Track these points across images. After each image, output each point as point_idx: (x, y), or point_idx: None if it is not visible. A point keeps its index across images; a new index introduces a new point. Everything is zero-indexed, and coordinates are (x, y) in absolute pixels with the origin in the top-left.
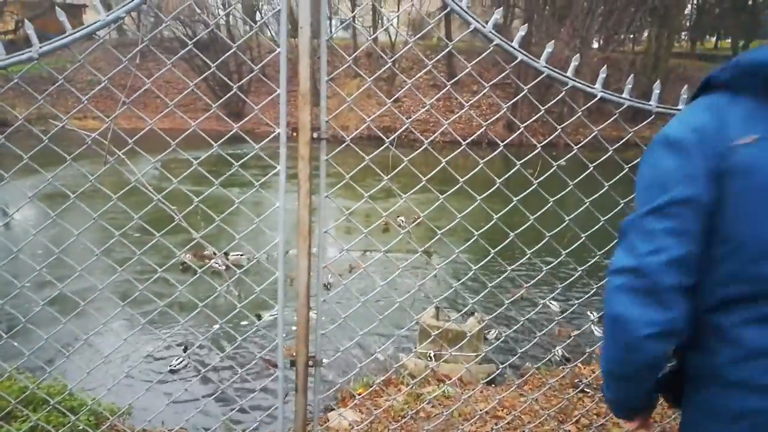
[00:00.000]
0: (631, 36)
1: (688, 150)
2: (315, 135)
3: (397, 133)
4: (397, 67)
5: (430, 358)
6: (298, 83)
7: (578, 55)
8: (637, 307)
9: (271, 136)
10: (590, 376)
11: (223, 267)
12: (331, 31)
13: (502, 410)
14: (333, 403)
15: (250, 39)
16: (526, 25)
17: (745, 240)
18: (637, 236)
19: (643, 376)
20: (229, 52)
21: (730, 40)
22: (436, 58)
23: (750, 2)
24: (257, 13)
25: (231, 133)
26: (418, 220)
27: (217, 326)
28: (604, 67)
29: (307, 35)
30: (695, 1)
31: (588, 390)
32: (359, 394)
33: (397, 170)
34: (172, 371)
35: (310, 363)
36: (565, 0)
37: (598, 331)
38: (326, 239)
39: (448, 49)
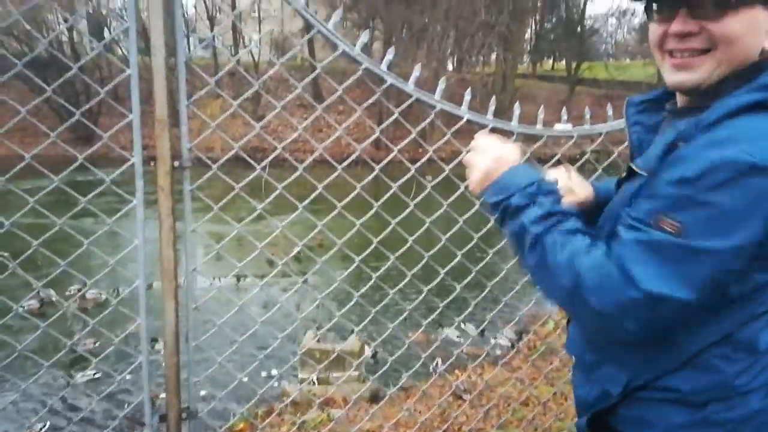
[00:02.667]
0: (482, 58)
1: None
2: (176, 164)
3: (268, 159)
4: (261, 86)
5: (313, 382)
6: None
7: (444, 78)
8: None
9: (125, 165)
10: (465, 381)
11: (78, 308)
12: (189, 51)
13: (387, 428)
14: None
15: (98, 57)
16: (393, 48)
17: None
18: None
19: None
20: (70, 73)
21: (564, 62)
22: (304, 82)
23: (578, 29)
24: (106, 29)
25: (77, 164)
26: (295, 251)
27: (81, 375)
28: (468, 89)
29: (162, 55)
30: (534, 28)
31: (464, 397)
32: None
33: (271, 198)
34: None
35: (184, 416)
36: (421, 24)
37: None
38: (197, 272)
39: (316, 72)
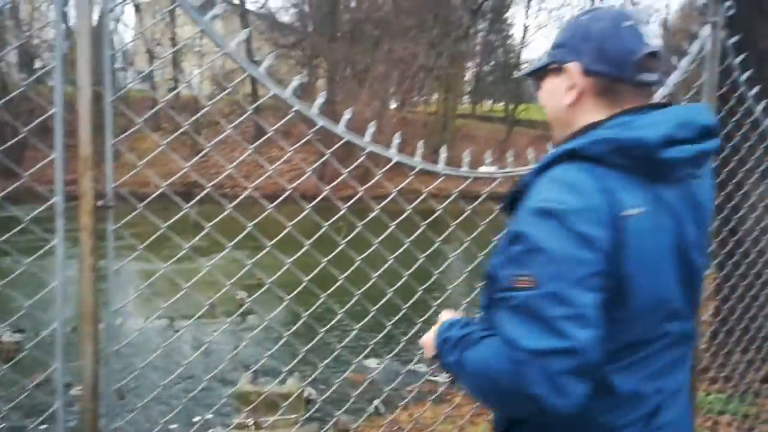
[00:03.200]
0: (423, 98)
1: (590, 218)
2: (100, 203)
3: (198, 197)
4: (202, 120)
5: (247, 426)
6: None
7: (375, 121)
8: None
9: (46, 205)
10: (408, 421)
11: None
12: (122, 85)
13: None
14: None
15: (30, 88)
16: (326, 91)
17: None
18: (555, 312)
19: None
20: None
21: (503, 104)
22: (240, 119)
23: (515, 73)
24: (36, 60)
25: None
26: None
27: None
28: (398, 132)
29: (88, 94)
30: (473, 70)
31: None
32: None
33: (201, 235)
34: None
35: None
36: (364, 64)
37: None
38: (126, 309)
39: (250, 112)
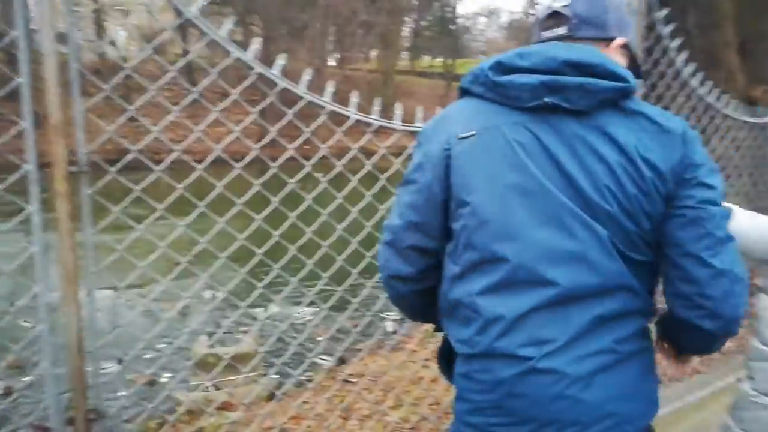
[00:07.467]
0: (363, 56)
1: (427, 140)
2: (73, 169)
3: (166, 162)
4: (131, 84)
5: (207, 389)
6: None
7: (333, 82)
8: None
9: (18, 174)
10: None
11: None
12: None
13: (289, 421)
14: None
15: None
16: (262, 50)
17: (468, 213)
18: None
19: (404, 305)
20: None
21: (441, 59)
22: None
23: (453, 27)
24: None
25: None
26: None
27: None
28: (355, 92)
29: (54, 62)
30: (411, 26)
31: (354, 381)
32: None
33: (171, 198)
34: None
35: (92, 416)
36: (301, 21)
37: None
38: (102, 276)
39: (185, 61)
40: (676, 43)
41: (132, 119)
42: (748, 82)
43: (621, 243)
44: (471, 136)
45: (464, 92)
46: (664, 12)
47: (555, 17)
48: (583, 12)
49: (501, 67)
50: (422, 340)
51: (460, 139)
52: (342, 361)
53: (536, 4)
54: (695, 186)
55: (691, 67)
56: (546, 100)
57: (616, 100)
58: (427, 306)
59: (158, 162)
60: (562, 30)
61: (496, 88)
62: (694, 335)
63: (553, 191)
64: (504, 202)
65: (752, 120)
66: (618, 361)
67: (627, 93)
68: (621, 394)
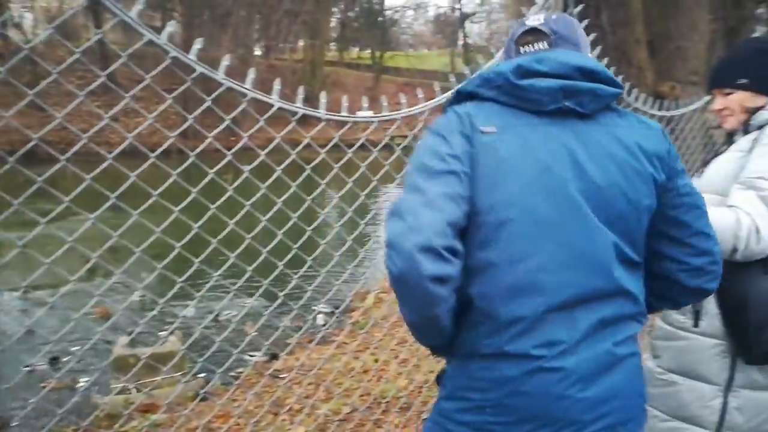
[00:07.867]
0: (289, 46)
1: (451, 133)
2: None
3: (71, 152)
4: (39, 70)
5: (129, 391)
6: None
7: (253, 69)
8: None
9: None
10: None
11: None
12: None
13: (217, 420)
14: None
15: None
16: (183, 36)
17: (486, 209)
18: (415, 201)
19: (440, 316)
20: None
21: (369, 51)
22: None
23: (381, 19)
24: None
25: None
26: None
27: None
28: (278, 78)
29: None
30: (339, 17)
31: (284, 376)
32: None
33: (76, 192)
34: None
35: None
36: (224, 8)
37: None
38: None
39: (90, 43)
40: (589, 39)
41: (40, 109)
42: (656, 79)
43: (625, 244)
44: (492, 132)
45: (465, 96)
46: (579, 8)
47: (533, 33)
48: (560, 30)
49: (521, 71)
50: (352, 333)
51: (483, 133)
52: (274, 357)
53: None
54: (683, 174)
55: (603, 63)
56: (566, 103)
57: (610, 103)
58: (453, 318)
59: (69, 152)
60: (542, 45)
61: (514, 91)
62: (693, 297)
63: (572, 193)
64: (527, 201)
65: (659, 113)
66: (616, 363)
67: (619, 97)
68: (619, 394)
